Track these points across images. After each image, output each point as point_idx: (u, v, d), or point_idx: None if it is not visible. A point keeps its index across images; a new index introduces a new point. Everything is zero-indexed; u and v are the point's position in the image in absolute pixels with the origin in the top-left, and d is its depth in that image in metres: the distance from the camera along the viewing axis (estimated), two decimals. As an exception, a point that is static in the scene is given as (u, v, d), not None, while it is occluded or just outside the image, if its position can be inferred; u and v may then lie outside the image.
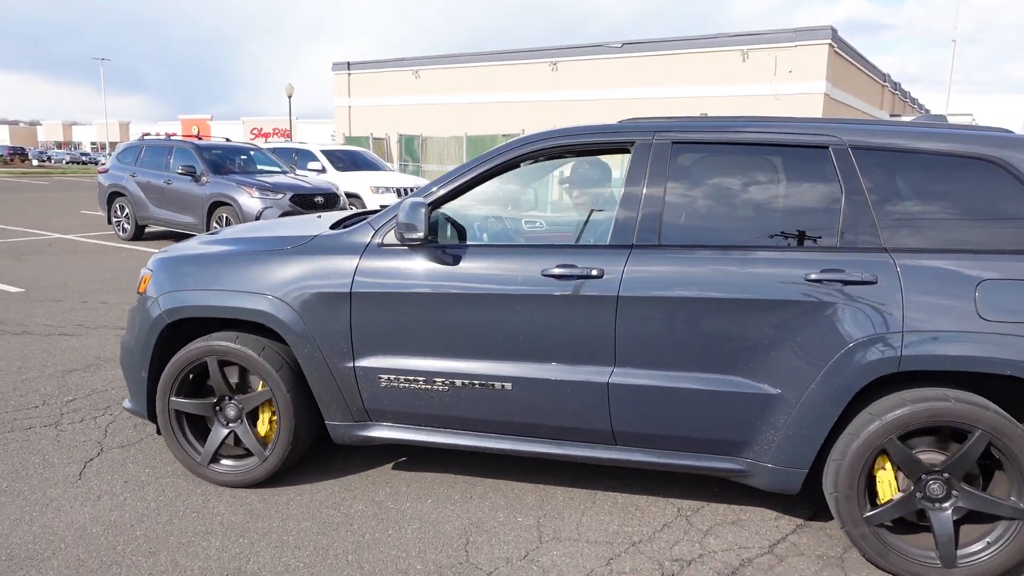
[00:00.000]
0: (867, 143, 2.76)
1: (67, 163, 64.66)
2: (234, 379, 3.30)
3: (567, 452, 3.02)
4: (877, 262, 2.64)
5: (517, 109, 25.57)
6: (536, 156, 3.08)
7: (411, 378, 3.06)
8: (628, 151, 2.97)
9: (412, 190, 12.65)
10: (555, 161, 3.33)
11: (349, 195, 12.54)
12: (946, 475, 2.60)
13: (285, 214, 10.14)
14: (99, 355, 5.20)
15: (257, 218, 9.98)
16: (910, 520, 2.71)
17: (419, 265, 3.01)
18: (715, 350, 2.76)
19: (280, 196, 10.25)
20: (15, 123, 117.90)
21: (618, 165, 3.28)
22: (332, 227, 3.38)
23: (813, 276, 2.66)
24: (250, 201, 10.08)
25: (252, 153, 12.17)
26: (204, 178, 10.59)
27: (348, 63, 31.14)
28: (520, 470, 3.51)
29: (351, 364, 3.10)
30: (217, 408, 3.31)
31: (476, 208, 3.45)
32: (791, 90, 20.89)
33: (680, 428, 2.86)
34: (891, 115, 29.71)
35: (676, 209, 2.88)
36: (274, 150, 13.47)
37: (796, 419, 2.70)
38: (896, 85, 31.23)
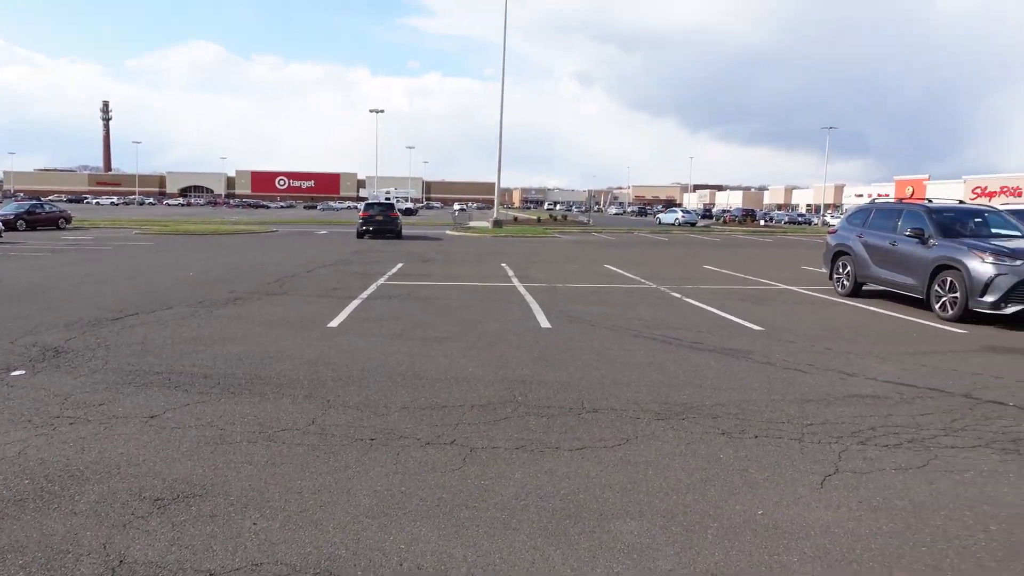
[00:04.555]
0: None
1: (785, 223, 72.15)
2: None
3: None
4: None
5: None
6: None
7: None
8: None
9: None
10: None
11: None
12: None
13: (1021, 283, 9.18)
14: (829, 393, 5.91)
15: (987, 285, 9.34)
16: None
17: None
18: None
19: (1019, 263, 9.31)
20: (747, 188, 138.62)
21: None
22: None
23: None
24: (981, 267, 9.50)
25: (987, 215, 11.40)
26: (932, 240, 10.49)
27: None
28: None
29: None
30: None
31: None
32: None
33: None
34: None
35: None
36: (1015, 212, 12.25)
37: None
38: None
